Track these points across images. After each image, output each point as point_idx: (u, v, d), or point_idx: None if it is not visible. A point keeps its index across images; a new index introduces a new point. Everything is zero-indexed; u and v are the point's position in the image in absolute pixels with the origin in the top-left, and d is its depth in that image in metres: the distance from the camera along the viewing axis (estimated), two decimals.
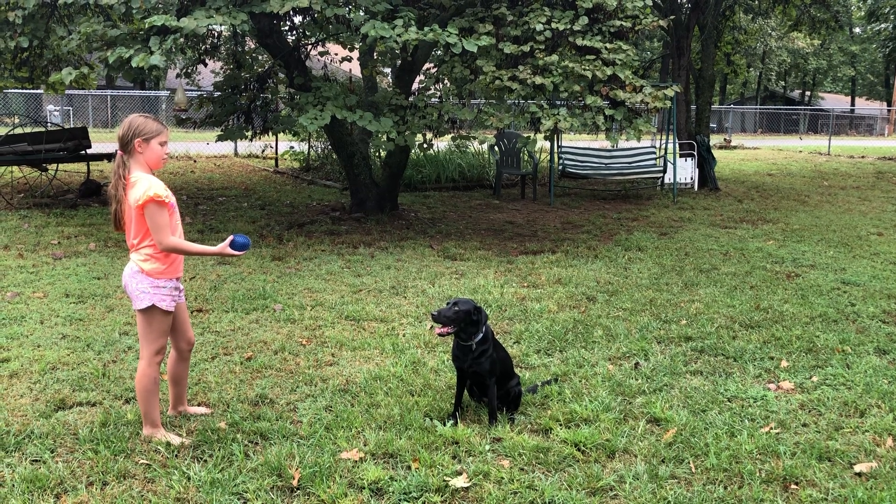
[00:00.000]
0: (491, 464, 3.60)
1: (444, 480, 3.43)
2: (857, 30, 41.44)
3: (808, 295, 6.84)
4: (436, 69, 10.09)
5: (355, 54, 11.34)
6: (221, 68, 11.83)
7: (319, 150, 16.37)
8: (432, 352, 5.20)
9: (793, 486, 3.47)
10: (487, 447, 3.78)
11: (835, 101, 58.29)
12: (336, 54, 11.29)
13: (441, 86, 10.40)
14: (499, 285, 7.04)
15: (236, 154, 20.24)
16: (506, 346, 5.30)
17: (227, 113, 10.37)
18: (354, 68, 12.23)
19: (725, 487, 3.44)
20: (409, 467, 3.56)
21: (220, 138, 9.81)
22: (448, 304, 4.04)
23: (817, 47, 51.36)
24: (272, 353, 5.13)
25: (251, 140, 11.22)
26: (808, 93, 60.22)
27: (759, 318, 6.11)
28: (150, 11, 7.52)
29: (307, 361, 4.97)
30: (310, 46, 10.73)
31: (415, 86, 10.54)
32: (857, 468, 3.63)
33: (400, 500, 3.29)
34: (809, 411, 4.33)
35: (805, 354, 5.27)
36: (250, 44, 11.74)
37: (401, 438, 3.84)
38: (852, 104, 58.16)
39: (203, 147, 19.81)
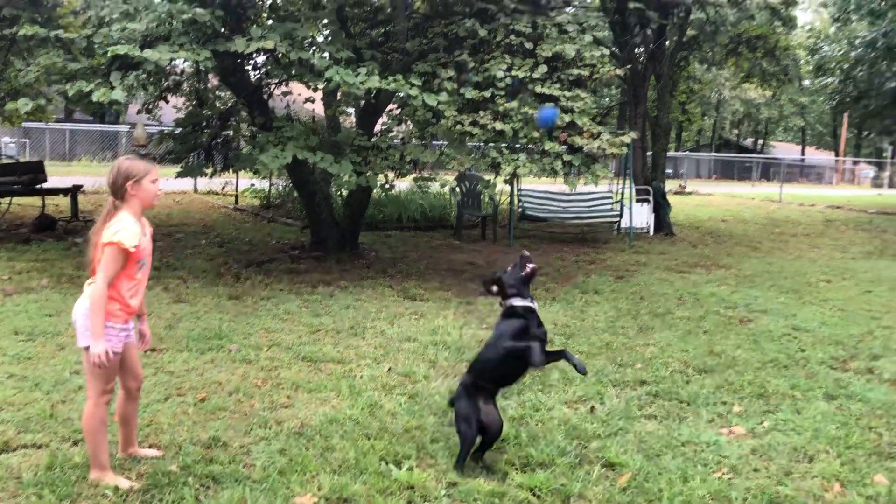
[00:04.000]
0: None
1: None
2: (807, 82, 42.97)
3: (760, 340, 6.98)
4: (399, 110, 10.21)
5: (319, 95, 11.42)
6: (184, 104, 11.81)
7: (280, 187, 16.33)
8: (389, 394, 5.18)
9: None
10: (443, 492, 3.76)
11: (786, 150, 60.04)
12: (299, 94, 11.33)
13: (404, 127, 10.52)
14: (458, 326, 7.05)
15: (196, 190, 20.08)
16: None
17: (188, 150, 10.32)
18: (318, 107, 12.28)
19: None
20: None
21: (179, 175, 9.75)
22: None
23: (769, 98, 53.01)
24: (227, 394, 5.06)
25: (211, 177, 11.17)
26: (760, 141, 61.99)
27: (713, 362, 6.21)
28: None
29: (262, 403, 4.91)
30: (273, 86, 10.77)
31: (378, 126, 10.63)
32: None
33: None
34: (760, 456, 4.40)
35: (757, 399, 5.37)
36: (213, 81, 11.75)
37: (356, 483, 3.80)
38: (802, 153, 59.95)
39: (162, 182, 19.57)
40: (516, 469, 4.05)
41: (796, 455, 4.43)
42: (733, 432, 4.75)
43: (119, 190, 3.65)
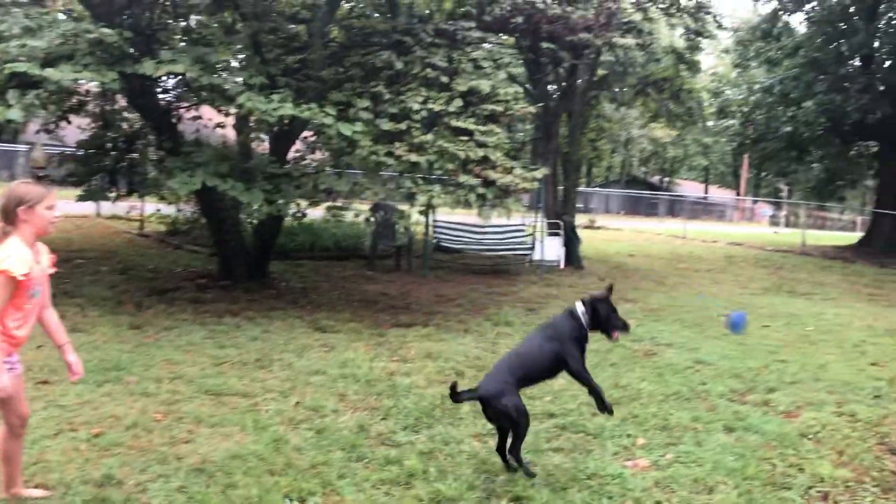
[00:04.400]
0: None
1: None
2: (710, 123, 45.13)
3: (664, 373, 7.16)
4: (314, 138, 10.13)
5: (230, 120, 11.22)
6: (88, 125, 11.38)
7: (188, 213, 15.88)
8: (296, 429, 5.05)
9: None
10: None
11: (690, 188, 62.57)
12: (210, 119, 11.11)
13: (318, 155, 10.43)
14: (369, 359, 6.97)
15: (98, 215, 19.31)
16: (373, 423, 5.24)
17: (91, 173, 9.93)
18: (230, 132, 12.06)
19: None
20: None
21: (80, 198, 9.36)
22: None
23: (675, 137, 55.27)
24: (123, 429, 4.83)
25: (115, 202, 10.76)
26: (666, 179, 64.37)
27: (619, 395, 6.33)
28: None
29: (161, 438, 4.71)
30: (183, 110, 10.52)
31: (291, 153, 10.51)
32: None
33: None
34: (663, 489, 4.49)
35: (660, 432, 5.49)
36: (121, 102, 11.39)
37: None
38: (706, 191, 62.61)
39: (63, 206, 18.76)
40: None
41: (697, 487, 4.54)
42: (637, 465, 4.83)
43: (10, 215, 3.47)
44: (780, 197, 58.36)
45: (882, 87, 22.87)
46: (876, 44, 23.75)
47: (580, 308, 4.78)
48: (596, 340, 8.38)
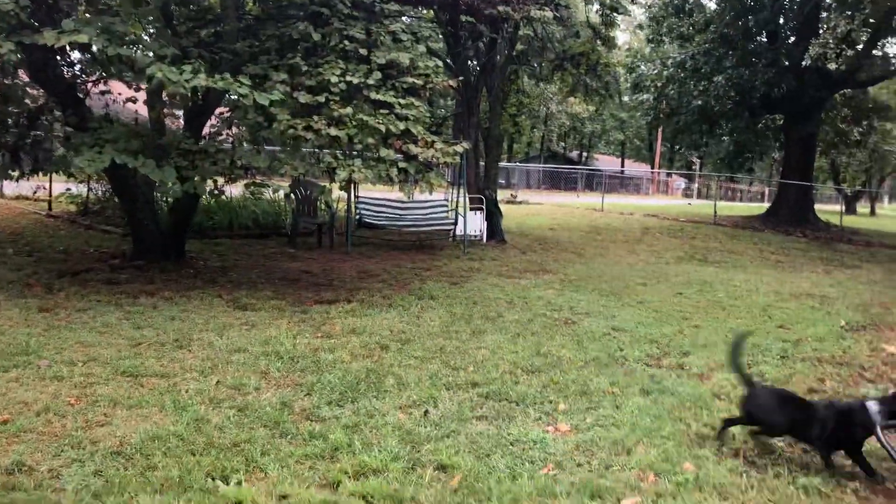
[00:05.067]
0: None
1: None
2: (626, 99, 46.08)
3: (583, 340, 7.34)
4: (229, 113, 9.87)
5: (141, 95, 10.81)
6: None
7: (100, 192, 15.30)
8: (217, 408, 4.96)
9: None
10: None
11: (608, 163, 63.86)
12: (120, 94, 10.68)
13: (234, 130, 10.17)
14: (292, 336, 6.90)
15: (2, 195, 18.41)
16: (296, 399, 5.20)
17: None
18: (142, 108, 11.64)
19: None
20: None
21: None
22: None
23: (592, 113, 56.20)
24: (34, 414, 4.65)
25: (18, 181, 10.27)
26: (584, 153, 65.52)
27: (540, 363, 6.45)
28: None
29: (75, 423, 4.56)
30: (90, 84, 10.08)
31: (206, 129, 10.22)
32: (624, 503, 3.91)
33: None
34: (584, 451, 4.61)
35: (580, 397, 5.63)
36: (23, 76, 10.83)
37: (179, 502, 3.61)
38: (622, 165, 64.02)
39: None
40: (349, 477, 4.00)
41: (616, 448, 4.68)
42: (559, 429, 4.95)
43: None
44: (692, 170, 60.28)
45: (787, 62, 23.79)
46: (781, 20, 24.66)
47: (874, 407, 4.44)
48: (518, 312, 8.56)
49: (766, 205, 31.26)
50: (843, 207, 30.89)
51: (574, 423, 5.07)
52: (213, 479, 3.89)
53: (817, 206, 28.98)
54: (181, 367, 5.77)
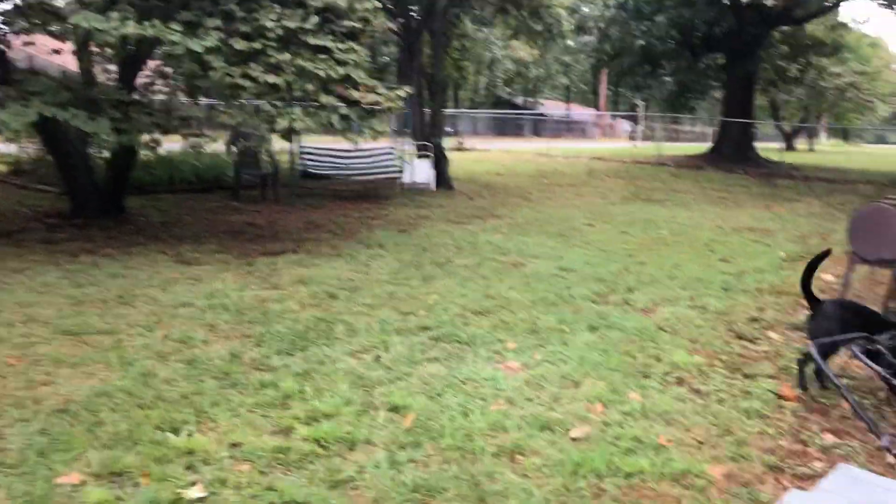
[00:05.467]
0: (229, 470, 3.48)
1: (178, 493, 3.25)
2: (570, 42, 45.94)
3: (532, 282, 7.42)
4: (163, 63, 9.55)
5: (69, 46, 10.36)
6: None
7: (32, 151, 14.73)
8: (164, 362, 4.89)
9: (519, 457, 3.73)
10: (225, 454, 3.64)
11: (553, 107, 63.89)
12: (45, 45, 10.22)
13: (169, 81, 9.85)
14: (238, 288, 6.82)
15: None
16: (245, 350, 5.16)
17: None
18: (70, 62, 11.17)
19: (460, 465, 3.62)
20: (137, 484, 3.33)
21: None
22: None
23: (537, 57, 55.94)
24: None
25: None
26: (530, 99, 65.40)
27: (490, 304, 6.51)
28: None
29: (16, 382, 4.45)
30: (11, 36, 9.60)
31: (140, 80, 9.88)
32: (573, 433, 4.00)
33: None
34: (533, 387, 4.69)
35: (529, 335, 5.71)
36: None
37: (129, 455, 3.57)
38: (568, 109, 64.13)
39: None
40: (301, 423, 4.00)
41: (565, 382, 4.77)
42: (509, 367, 5.02)
43: None
44: (637, 112, 60.75)
45: (727, 1, 23.94)
46: None
47: None
48: (467, 256, 8.59)
49: (709, 145, 31.76)
50: (783, 144, 31.53)
51: (524, 361, 5.14)
52: (163, 431, 3.85)
53: (758, 144, 29.58)
54: (126, 324, 5.66)
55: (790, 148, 40.96)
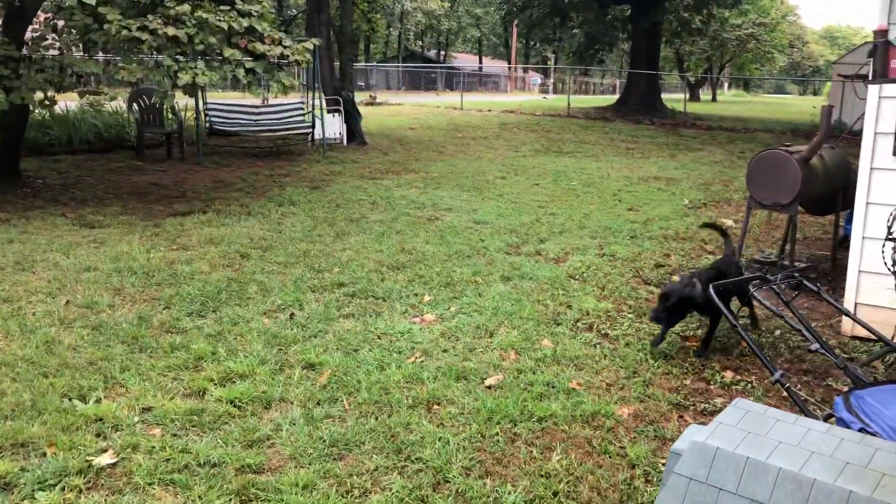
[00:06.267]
0: (140, 435, 3.41)
1: (87, 461, 3.18)
2: None
3: (446, 235, 7.47)
4: (53, 17, 9.02)
5: None
6: None
7: None
8: (69, 328, 4.73)
9: (435, 407, 3.79)
10: (136, 419, 3.57)
11: (466, 61, 63.72)
12: None
13: (62, 36, 9.32)
14: (145, 251, 6.61)
15: None
16: (154, 314, 5.03)
17: None
18: None
19: (377, 418, 3.66)
20: (44, 454, 3.23)
21: None
22: (661, 298, 4.57)
23: (448, 9, 55.50)
24: None
25: None
26: (442, 52, 64.99)
27: (405, 259, 6.53)
28: None
29: None
30: None
31: (28, 35, 9.31)
32: (488, 382, 4.09)
33: (34, 490, 2.97)
34: (449, 338, 4.76)
35: (444, 288, 5.77)
36: None
37: (33, 425, 3.46)
38: (480, 63, 64.07)
39: None
40: (215, 384, 3.96)
41: (479, 332, 4.86)
42: (424, 320, 5.07)
43: None
44: (547, 65, 61.22)
45: None
46: None
47: None
48: (382, 212, 8.57)
49: (617, 97, 32.36)
50: (687, 95, 32.42)
51: (439, 313, 5.20)
52: (70, 399, 3.74)
53: (664, 95, 30.32)
54: (25, 290, 5.43)
55: (694, 98, 42.18)
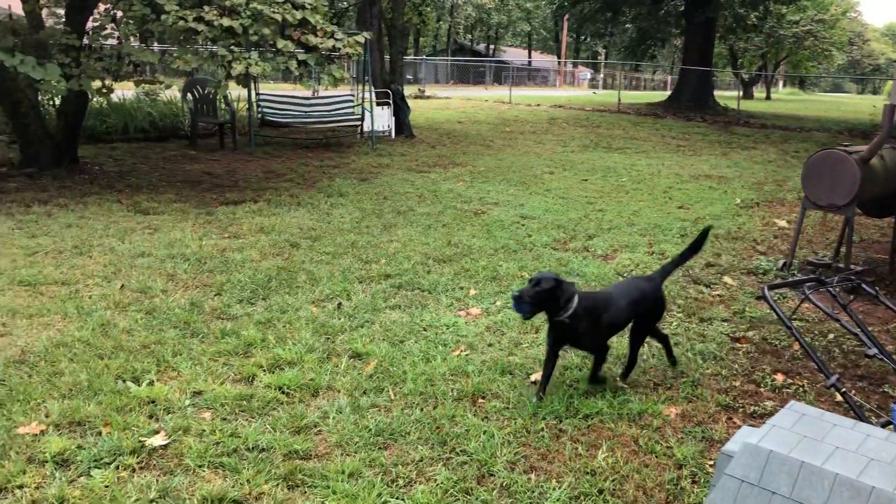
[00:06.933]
0: (191, 418, 3.48)
1: (140, 441, 3.25)
2: None
3: (493, 229, 7.45)
4: (113, 7, 9.22)
5: None
6: None
7: None
8: (124, 312, 4.85)
9: (480, 400, 3.80)
10: (188, 402, 3.64)
11: (515, 55, 63.40)
12: None
13: (121, 26, 9.54)
14: (197, 238, 6.74)
15: None
16: (206, 300, 5.12)
17: None
18: (16, 6, 10.73)
19: (422, 409, 3.67)
20: (99, 433, 3.32)
21: None
22: (531, 281, 3.74)
23: (498, 3, 55.26)
24: None
25: None
26: (492, 46, 64.78)
27: (451, 252, 6.54)
28: None
29: None
30: None
31: (89, 24, 9.54)
32: (533, 377, 4.07)
33: (90, 467, 3.05)
34: (494, 332, 4.75)
35: (490, 282, 5.76)
36: None
37: (89, 405, 3.55)
38: (529, 57, 63.71)
39: None
40: (264, 371, 4.02)
41: (524, 327, 4.84)
42: (470, 314, 5.07)
43: None
44: (598, 60, 60.60)
45: None
46: None
47: None
48: (428, 205, 8.59)
49: (668, 93, 31.88)
50: (741, 92, 31.79)
51: (485, 307, 5.20)
52: (124, 380, 3.84)
53: (716, 92, 29.79)
54: (82, 274, 5.58)
55: (748, 96, 41.33)
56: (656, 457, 3.34)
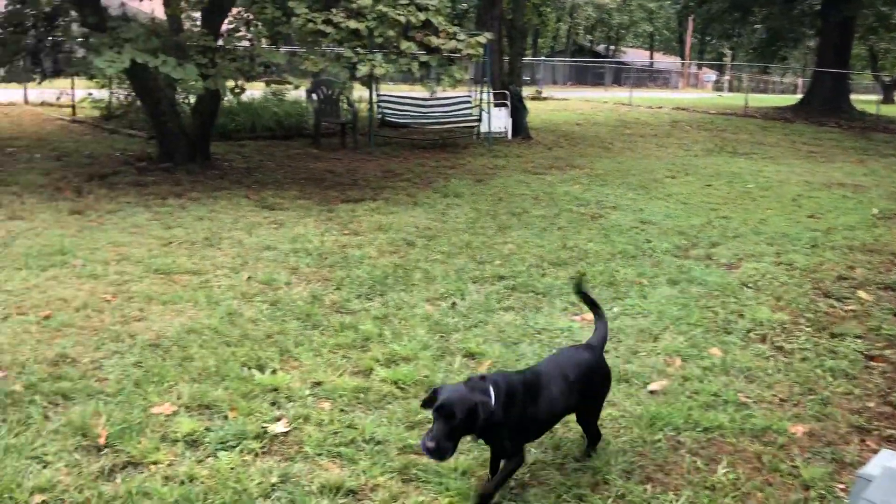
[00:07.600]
0: (311, 407, 3.60)
1: (263, 427, 3.39)
2: None
3: (610, 234, 7.32)
4: (246, 10, 9.66)
5: None
6: (4, 5, 10.64)
7: (122, 97, 15.23)
8: (250, 302, 5.06)
9: None
10: (308, 392, 3.76)
11: (636, 56, 62.03)
12: None
13: (252, 28, 9.98)
14: (319, 234, 6.96)
15: (27, 101, 18.42)
16: (326, 293, 5.27)
17: (11, 54, 9.36)
18: (157, 8, 11.41)
19: None
20: (226, 417, 3.48)
21: (1, 80, 8.85)
22: (437, 410, 2.66)
23: (620, 3, 54.24)
24: (73, 310, 4.78)
25: (40, 83, 10.22)
26: (612, 47, 63.65)
27: (566, 256, 6.46)
28: None
29: (113, 318, 4.68)
30: None
31: (224, 27, 10.03)
32: (651, 387, 3.97)
33: (216, 449, 3.20)
34: (611, 339, 4.64)
35: (607, 287, 5.65)
36: None
37: (217, 389, 3.73)
38: (651, 58, 62.19)
39: None
40: (380, 365, 4.10)
41: (643, 336, 4.72)
42: (585, 319, 4.98)
43: None
44: (723, 61, 58.43)
45: None
46: None
47: None
48: (544, 207, 8.53)
49: (799, 97, 30.37)
50: (881, 96, 29.89)
51: None
52: (249, 368, 4.00)
53: (853, 96, 28.12)
54: (212, 265, 5.86)
55: (888, 100, 38.79)
56: (781, 476, 3.19)
